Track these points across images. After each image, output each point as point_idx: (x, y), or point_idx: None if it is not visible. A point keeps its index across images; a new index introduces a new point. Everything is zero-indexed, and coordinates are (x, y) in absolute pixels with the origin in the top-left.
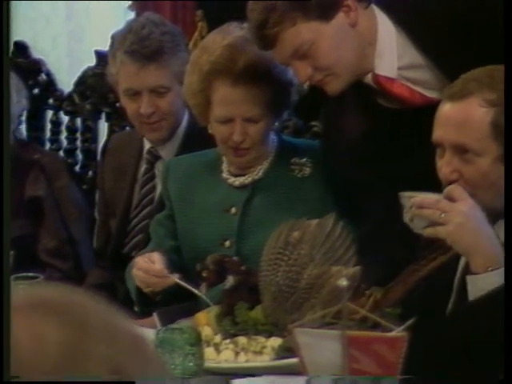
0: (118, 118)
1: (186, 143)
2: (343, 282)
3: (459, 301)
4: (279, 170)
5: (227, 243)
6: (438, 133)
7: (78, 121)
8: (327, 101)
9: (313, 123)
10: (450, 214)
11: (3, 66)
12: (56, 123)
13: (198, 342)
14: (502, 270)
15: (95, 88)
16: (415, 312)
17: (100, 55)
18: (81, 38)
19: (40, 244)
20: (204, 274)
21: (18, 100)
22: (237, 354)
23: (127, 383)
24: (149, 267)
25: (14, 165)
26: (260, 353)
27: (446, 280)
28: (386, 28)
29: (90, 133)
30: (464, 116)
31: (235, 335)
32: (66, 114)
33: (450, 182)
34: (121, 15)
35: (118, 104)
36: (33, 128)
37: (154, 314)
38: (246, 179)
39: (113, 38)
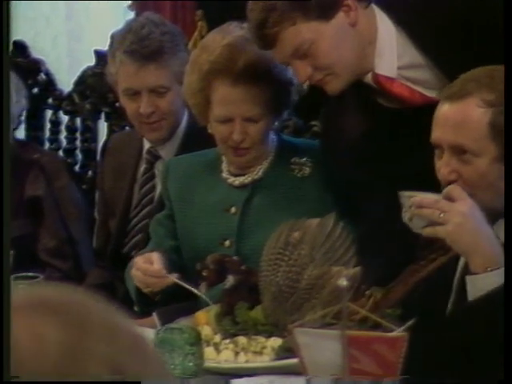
0: (117, 118)
1: (185, 143)
2: (343, 283)
3: (459, 301)
4: (279, 170)
5: (227, 243)
6: (437, 133)
7: (78, 120)
8: (327, 100)
9: (313, 123)
10: (450, 213)
11: (3, 66)
12: (55, 123)
13: (197, 341)
14: (501, 270)
15: (95, 88)
16: (415, 312)
17: (99, 55)
18: (80, 37)
19: (40, 244)
20: (204, 274)
21: (18, 100)
22: (237, 354)
23: (128, 383)
24: (147, 267)
25: (14, 165)
26: (260, 353)
27: (445, 280)
28: (385, 27)
29: (90, 132)
30: (462, 116)
31: (235, 335)
32: (66, 113)
33: (449, 183)
34: (120, 15)
35: (117, 104)
36: (32, 128)
37: (154, 314)
38: (245, 179)
39: (112, 37)
